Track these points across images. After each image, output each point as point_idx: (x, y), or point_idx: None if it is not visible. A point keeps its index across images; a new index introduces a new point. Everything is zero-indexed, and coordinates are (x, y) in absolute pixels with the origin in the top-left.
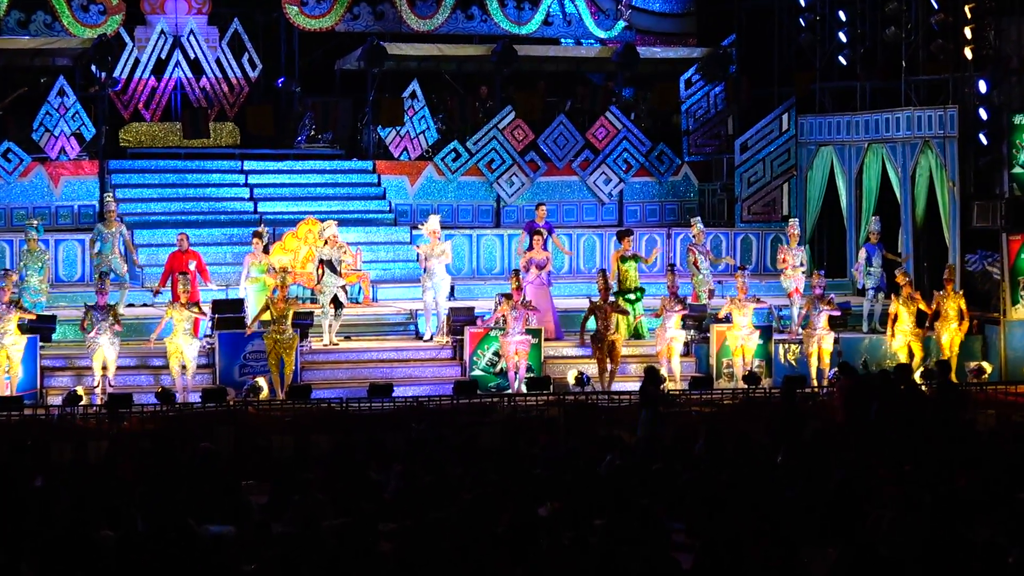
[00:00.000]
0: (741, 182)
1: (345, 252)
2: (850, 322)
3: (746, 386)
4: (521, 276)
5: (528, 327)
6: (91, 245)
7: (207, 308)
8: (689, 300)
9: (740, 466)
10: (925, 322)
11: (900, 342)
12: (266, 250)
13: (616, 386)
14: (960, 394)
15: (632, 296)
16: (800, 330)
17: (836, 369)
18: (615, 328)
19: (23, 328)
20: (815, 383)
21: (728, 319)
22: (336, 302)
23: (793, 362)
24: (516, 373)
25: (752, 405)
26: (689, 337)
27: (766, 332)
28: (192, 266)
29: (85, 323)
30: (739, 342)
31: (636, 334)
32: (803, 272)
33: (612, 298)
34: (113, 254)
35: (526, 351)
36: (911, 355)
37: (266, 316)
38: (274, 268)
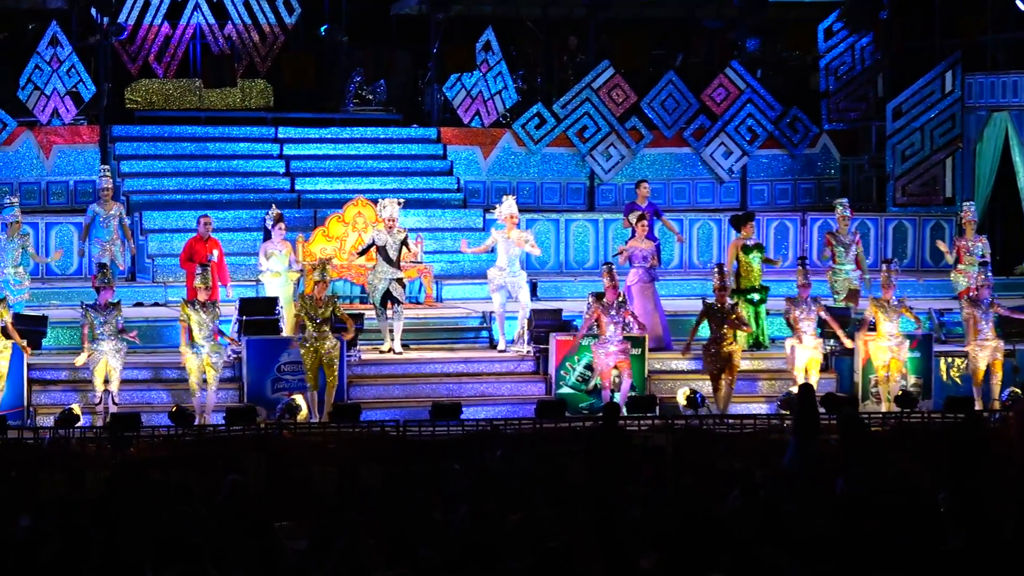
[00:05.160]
0: (894, 156)
1: (405, 240)
2: None
3: (899, 409)
4: (616, 271)
5: (628, 334)
6: (84, 231)
7: (233, 308)
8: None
9: (890, 508)
10: None
11: None
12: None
13: (736, 408)
14: None
15: (756, 296)
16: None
17: (1012, 389)
18: (732, 337)
19: (5, 332)
20: (982, 405)
21: (872, 326)
22: (392, 300)
23: (958, 379)
24: (613, 392)
25: (906, 433)
26: (828, 348)
27: (924, 343)
28: (214, 257)
29: (87, 328)
30: (886, 354)
31: (757, 343)
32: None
33: (731, 300)
34: (114, 241)
35: (626, 364)
36: None
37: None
38: (297, 259)
